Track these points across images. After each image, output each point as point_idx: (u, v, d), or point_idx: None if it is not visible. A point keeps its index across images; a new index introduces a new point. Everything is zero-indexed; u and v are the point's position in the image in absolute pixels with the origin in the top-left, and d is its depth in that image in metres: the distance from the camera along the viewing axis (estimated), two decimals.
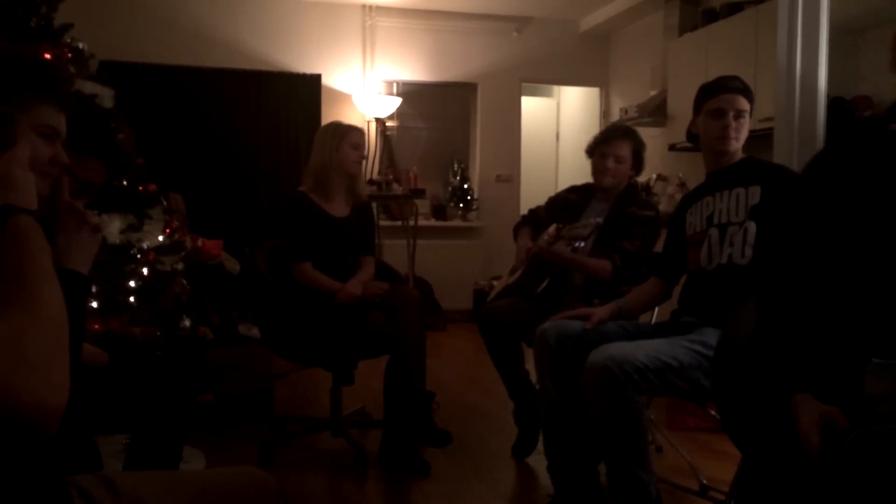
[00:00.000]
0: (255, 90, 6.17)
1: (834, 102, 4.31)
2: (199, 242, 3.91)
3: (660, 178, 5.74)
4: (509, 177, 6.83)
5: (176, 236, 3.09)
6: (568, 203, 3.10)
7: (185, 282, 3.12)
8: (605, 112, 7.03)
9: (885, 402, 1.21)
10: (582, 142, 3.13)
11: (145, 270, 2.79)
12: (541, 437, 2.80)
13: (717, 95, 2.33)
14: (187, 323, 2.87)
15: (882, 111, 1.43)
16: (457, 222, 6.74)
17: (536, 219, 3.21)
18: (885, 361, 1.20)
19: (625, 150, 2.96)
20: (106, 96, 2.81)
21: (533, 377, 3.03)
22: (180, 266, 2.96)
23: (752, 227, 2.24)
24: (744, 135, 2.35)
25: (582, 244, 2.80)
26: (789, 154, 3.14)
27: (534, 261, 2.99)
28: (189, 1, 6.08)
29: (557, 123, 8.03)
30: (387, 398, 2.86)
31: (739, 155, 2.38)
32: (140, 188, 2.93)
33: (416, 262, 5.48)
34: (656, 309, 2.84)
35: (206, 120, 6.05)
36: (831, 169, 1.43)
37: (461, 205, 6.76)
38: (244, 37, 6.20)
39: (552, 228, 2.86)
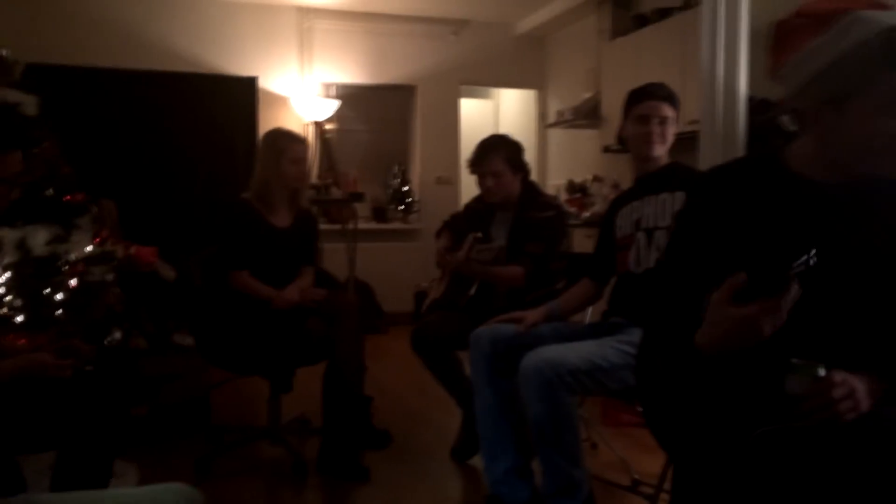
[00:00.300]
0: (189, 93, 6.05)
1: (759, 104, 4.48)
2: (133, 250, 3.82)
3: (595, 179, 5.85)
4: (449, 178, 6.87)
5: (106, 245, 3.03)
6: (478, 212, 3.14)
7: (118, 291, 3.06)
8: (542, 114, 7.13)
9: (805, 402, 1.26)
10: (523, 146, 3.15)
11: (73, 282, 2.73)
12: None
13: (642, 102, 2.42)
14: (118, 334, 2.82)
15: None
16: (397, 224, 6.75)
17: (456, 225, 3.24)
18: (804, 361, 1.25)
19: (496, 164, 2.97)
20: (30, 104, 2.73)
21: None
22: (111, 276, 2.90)
23: None
24: (669, 140, 2.43)
25: (488, 268, 2.87)
26: (713, 155, 3.24)
27: (455, 274, 3.04)
28: (120, 2, 5.93)
29: (496, 125, 8.10)
30: (325, 404, 2.85)
31: (665, 160, 2.47)
32: (67, 197, 2.86)
33: (356, 266, 5.47)
34: (590, 310, 2.91)
35: (139, 124, 5.91)
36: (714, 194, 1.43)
37: (401, 207, 6.77)
38: (177, 39, 6.09)
39: (467, 243, 2.91)
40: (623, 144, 2.58)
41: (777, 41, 2.67)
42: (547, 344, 2.26)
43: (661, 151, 2.43)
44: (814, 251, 1.17)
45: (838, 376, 1.24)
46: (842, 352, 1.31)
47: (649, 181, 2.46)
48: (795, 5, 3.52)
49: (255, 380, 3.22)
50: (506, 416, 2.46)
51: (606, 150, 5.50)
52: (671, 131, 2.43)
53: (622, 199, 2.59)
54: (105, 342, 2.80)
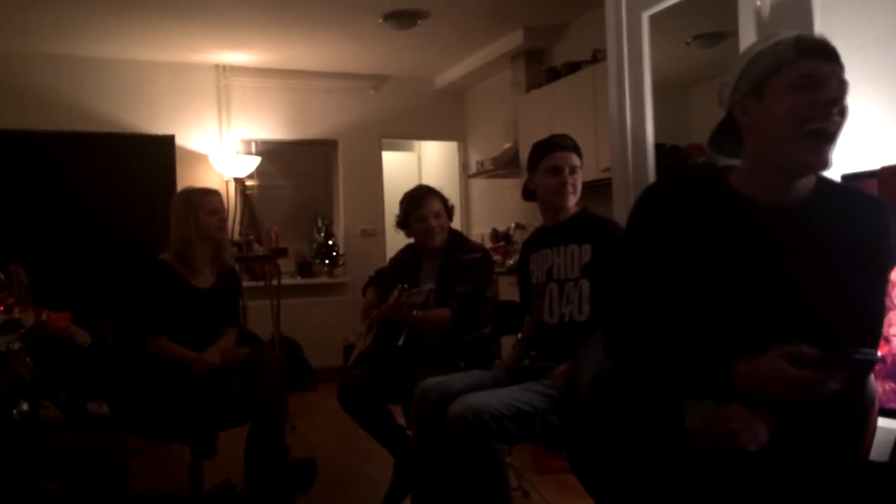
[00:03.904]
0: (103, 153, 5.91)
1: (670, 151, 4.68)
2: (44, 316, 3.67)
3: (518, 226, 5.96)
4: (374, 230, 6.88)
5: (14, 313, 2.91)
6: (405, 263, 3.16)
7: (28, 360, 2.93)
8: (464, 164, 7.26)
9: (701, 436, 1.30)
10: (445, 193, 3.20)
11: None
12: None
13: (552, 153, 2.47)
14: (25, 406, 2.68)
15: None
16: (323, 279, 6.68)
17: (382, 279, 3.24)
18: (696, 401, 1.30)
19: (437, 204, 3.04)
20: None
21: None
22: (17, 345, 2.77)
23: (585, 284, 2.37)
24: (579, 190, 2.49)
25: (419, 313, 2.87)
26: (626, 199, 3.36)
27: (383, 324, 3.03)
28: (30, 63, 5.77)
29: (420, 176, 8.19)
30: (247, 466, 2.75)
31: (574, 209, 2.53)
32: None
33: (282, 322, 5.36)
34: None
35: (51, 186, 5.73)
36: (660, 206, 1.51)
37: (327, 261, 6.72)
38: (92, 99, 5.96)
39: (396, 291, 2.91)
40: (529, 198, 2.62)
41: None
42: (474, 391, 2.26)
43: (573, 201, 2.49)
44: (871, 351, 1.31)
45: (732, 408, 1.29)
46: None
47: (559, 231, 2.51)
48: (697, 56, 3.73)
49: (176, 446, 3.09)
50: (441, 467, 2.42)
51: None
52: (580, 180, 2.50)
53: (532, 244, 2.64)
54: (13, 414, 2.66)
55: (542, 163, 2.47)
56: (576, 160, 2.46)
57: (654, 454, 1.34)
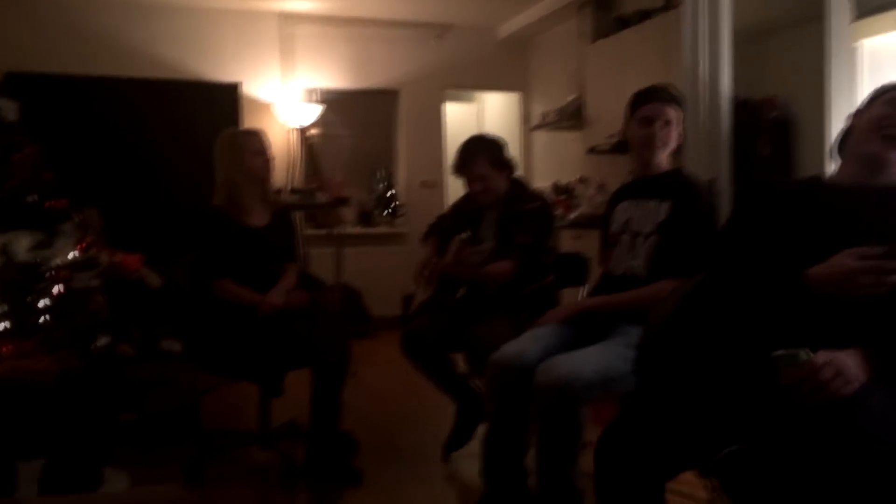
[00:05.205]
0: (171, 100, 6.01)
1: (742, 104, 4.52)
2: (118, 258, 3.79)
3: (581, 180, 5.87)
4: (434, 182, 6.86)
5: (90, 252, 3.01)
6: (466, 212, 3.13)
7: (102, 298, 3.03)
8: (526, 116, 7.15)
9: (795, 389, 1.28)
10: (502, 139, 3.15)
11: (58, 289, 2.70)
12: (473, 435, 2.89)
13: (646, 103, 2.38)
14: (104, 341, 2.79)
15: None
16: (383, 229, 6.73)
17: (442, 227, 3.22)
18: (786, 351, 1.28)
19: (480, 167, 2.96)
20: (10, 109, 2.71)
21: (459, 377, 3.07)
22: (95, 283, 2.87)
23: (655, 241, 2.32)
24: (671, 144, 2.40)
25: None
26: (698, 156, 3.28)
27: (443, 275, 3.03)
28: (99, 10, 5.88)
29: (480, 128, 8.10)
30: (312, 409, 2.82)
31: (666, 165, 2.45)
32: (49, 204, 2.84)
33: (343, 270, 5.44)
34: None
35: (121, 131, 5.86)
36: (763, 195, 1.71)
37: (387, 211, 6.76)
38: (159, 46, 6.05)
39: (455, 244, 2.89)
40: (625, 147, 2.56)
41: None
42: (554, 354, 2.22)
43: (662, 155, 2.40)
44: None
45: (821, 358, 1.28)
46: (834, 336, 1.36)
47: (646, 184, 2.45)
48: (778, 5, 3.56)
49: (245, 384, 3.19)
50: (514, 429, 2.41)
51: (591, 151, 5.52)
52: (675, 134, 2.40)
53: (620, 194, 2.58)
54: (91, 348, 2.77)
55: (637, 112, 2.40)
56: (671, 113, 2.36)
57: (749, 413, 1.34)
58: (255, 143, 3.01)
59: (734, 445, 1.32)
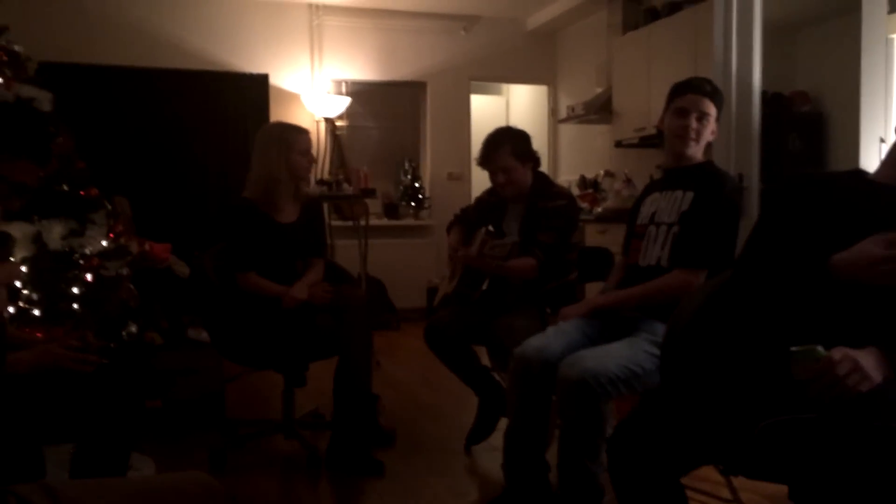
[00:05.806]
0: (200, 91, 6.08)
1: (772, 98, 4.46)
2: (147, 246, 3.85)
3: (607, 174, 5.83)
4: (460, 175, 6.87)
5: (121, 241, 3.05)
6: (490, 205, 3.12)
7: (132, 287, 3.08)
8: (553, 109, 7.12)
9: (810, 385, 1.27)
10: (532, 139, 3.14)
11: (89, 276, 2.75)
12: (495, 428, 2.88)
13: (683, 95, 2.35)
14: (133, 328, 2.84)
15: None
16: (409, 221, 6.75)
17: (467, 218, 3.22)
18: (803, 347, 1.27)
19: (504, 159, 2.93)
20: (44, 99, 2.75)
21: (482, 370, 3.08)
22: (126, 271, 2.91)
23: (677, 231, 2.31)
24: (705, 138, 2.36)
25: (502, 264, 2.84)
26: (727, 148, 3.24)
27: (467, 268, 3.03)
28: (131, 0, 5.96)
29: (507, 121, 8.09)
30: (336, 400, 2.85)
31: (699, 157, 2.43)
32: (81, 192, 2.88)
33: (368, 262, 5.47)
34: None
35: (151, 122, 5.95)
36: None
37: (413, 203, 6.77)
38: (189, 36, 6.11)
39: (479, 236, 2.89)
40: (660, 138, 2.54)
41: None
42: (578, 349, 2.23)
43: (694, 149, 2.37)
44: None
45: (838, 353, 1.27)
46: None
47: (675, 175, 2.43)
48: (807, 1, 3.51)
49: (270, 374, 3.23)
50: (536, 422, 2.41)
51: (618, 144, 5.49)
52: (709, 129, 2.36)
53: (651, 187, 2.57)
54: (121, 336, 2.82)
55: (674, 103, 2.37)
56: (708, 106, 2.33)
57: (762, 405, 1.32)
58: (303, 143, 2.97)
59: (771, 419, 1.31)
